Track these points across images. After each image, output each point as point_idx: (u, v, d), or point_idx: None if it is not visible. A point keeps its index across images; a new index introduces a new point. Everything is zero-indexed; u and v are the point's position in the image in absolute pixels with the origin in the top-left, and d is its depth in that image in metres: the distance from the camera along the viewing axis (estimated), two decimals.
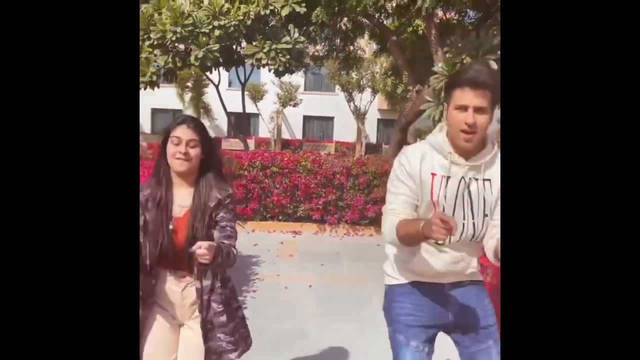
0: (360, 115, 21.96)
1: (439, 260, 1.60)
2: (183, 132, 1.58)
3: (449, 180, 1.54)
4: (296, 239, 5.87)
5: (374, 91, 20.87)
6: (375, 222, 6.17)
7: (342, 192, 6.23)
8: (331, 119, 25.40)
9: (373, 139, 24.77)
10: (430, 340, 1.71)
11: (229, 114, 8.77)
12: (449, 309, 1.68)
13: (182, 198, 1.64)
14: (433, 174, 1.55)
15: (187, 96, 23.15)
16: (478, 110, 1.47)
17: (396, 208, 1.56)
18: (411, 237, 1.46)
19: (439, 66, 6.28)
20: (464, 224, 1.56)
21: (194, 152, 1.60)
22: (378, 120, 24.81)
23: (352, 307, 3.61)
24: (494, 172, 1.58)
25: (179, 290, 1.65)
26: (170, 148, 1.59)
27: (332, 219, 6.21)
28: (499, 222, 1.66)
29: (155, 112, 25.20)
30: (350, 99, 21.53)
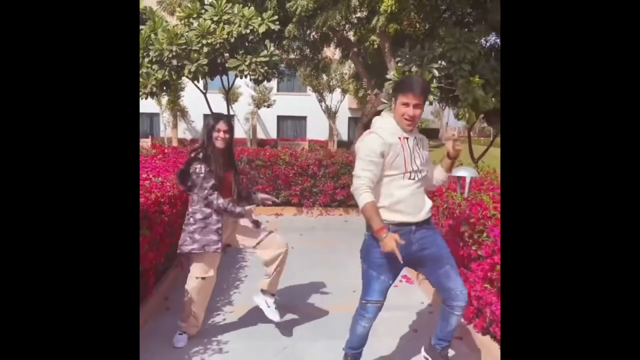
0: (331, 114, 23.12)
1: (404, 190, 2.16)
2: (222, 125, 2.81)
3: (408, 139, 2.18)
4: (278, 219, 7.08)
5: (344, 91, 22.04)
6: (344, 203, 7.46)
7: (316, 180, 7.46)
8: (304, 118, 26.41)
9: (345, 136, 25.94)
10: (395, 275, 2.24)
11: (205, 117, 9.83)
12: (412, 249, 2.18)
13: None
14: (399, 137, 2.15)
15: (164, 100, 23.63)
16: (416, 106, 2.12)
17: (363, 178, 2.08)
18: (369, 221, 2.07)
19: (391, 74, 7.59)
20: (420, 165, 2.18)
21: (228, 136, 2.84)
22: (349, 118, 25.96)
23: (323, 260, 4.87)
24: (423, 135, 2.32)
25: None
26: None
27: (307, 202, 7.45)
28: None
29: None
30: (321, 99, 22.60)
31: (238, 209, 2.82)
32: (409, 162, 2.14)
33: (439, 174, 2.39)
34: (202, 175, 2.76)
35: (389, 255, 2.06)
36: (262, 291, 3.06)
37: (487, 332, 2.79)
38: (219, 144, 2.80)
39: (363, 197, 2.06)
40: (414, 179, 2.16)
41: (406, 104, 2.11)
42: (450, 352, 2.68)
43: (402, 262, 2.03)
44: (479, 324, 2.83)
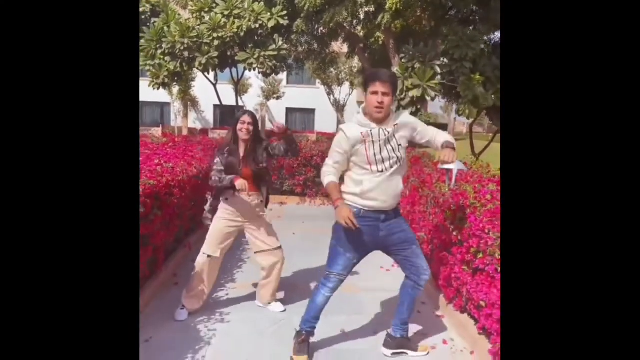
0: (339, 108, 23.29)
1: (372, 180, 2.35)
2: (246, 118, 3.05)
3: (372, 131, 2.34)
4: (282, 208, 7.37)
5: (352, 85, 22.18)
6: None
7: (319, 170, 7.70)
8: (312, 110, 26.60)
9: None
10: (361, 255, 2.46)
11: (215, 107, 10.13)
12: (380, 235, 2.44)
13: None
14: (362, 132, 2.34)
15: (175, 90, 23.95)
16: (384, 94, 2.29)
17: (330, 164, 2.37)
18: (330, 196, 2.36)
19: (395, 70, 7.81)
20: (390, 156, 2.34)
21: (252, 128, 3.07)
22: (357, 112, 26.10)
23: (323, 245, 5.14)
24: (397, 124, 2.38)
25: (249, 199, 3.12)
26: (239, 125, 3.04)
27: (310, 192, 7.73)
28: (441, 135, 2.53)
29: (143, 105, 26.12)
30: (330, 92, 22.77)
31: (223, 177, 2.97)
32: (372, 154, 2.33)
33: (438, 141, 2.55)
34: (217, 167, 3.05)
35: (356, 234, 2.31)
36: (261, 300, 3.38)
37: (465, 311, 3.06)
38: (243, 135, 3.04)
39: (327, 178, 2.36)
40: (381, 170, 2.35)
41: (375, 92, 2.29)
42: (430, 330, 2.95)
43: (355, 228, 2.20)
44: (457, 303, 3.10)
